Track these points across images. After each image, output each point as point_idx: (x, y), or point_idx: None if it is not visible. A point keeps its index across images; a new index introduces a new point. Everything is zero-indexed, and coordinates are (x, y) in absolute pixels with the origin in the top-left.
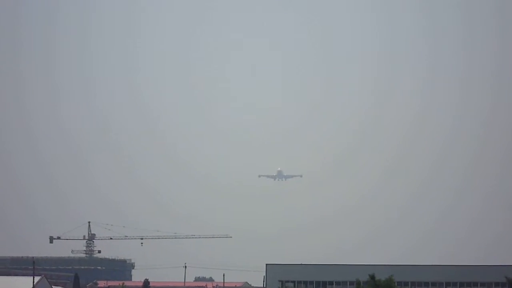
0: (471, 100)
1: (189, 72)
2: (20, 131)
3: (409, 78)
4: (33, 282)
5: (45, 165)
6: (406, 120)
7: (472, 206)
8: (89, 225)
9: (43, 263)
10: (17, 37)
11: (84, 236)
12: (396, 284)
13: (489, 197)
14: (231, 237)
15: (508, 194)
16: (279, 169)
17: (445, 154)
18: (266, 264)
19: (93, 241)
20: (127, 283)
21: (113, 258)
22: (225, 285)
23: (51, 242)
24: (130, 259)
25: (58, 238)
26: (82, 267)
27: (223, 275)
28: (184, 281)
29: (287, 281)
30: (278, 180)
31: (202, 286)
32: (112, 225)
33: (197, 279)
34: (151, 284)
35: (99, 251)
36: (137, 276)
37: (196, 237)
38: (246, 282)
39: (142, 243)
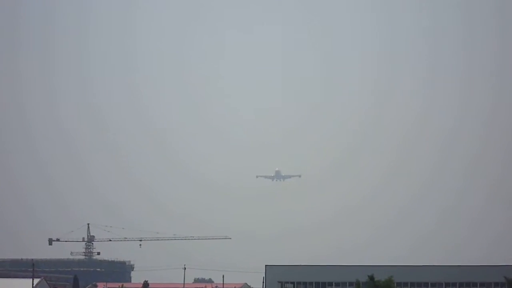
0: (472, 100)
1: (187, 72)
2: (19, 132)
3: (409, 78)
4: (33, 284)
5: (44, 166)
6: (406, 121)
7: (472, 206)
8: (88, 227)
9: (43, 265)
10: (16, 37)
11: (83, 238)
12: (395, 285)
13: (489, 198)
14: (230, 238)
15: (508, 194)
16: (277, 169)
17: (445, 155)
18: (266, 265)
19: (92, 243)
20: (126, 284)
21: (112, 259)
22: (225, 286)
23: (50, 244)
24: (130, 261)
25: (58, 240)
26: (82, 269)
27: (223, 276)
28: (184, 283)
29: (287, 282)
30: (276, 180)
31: None
32: (111, 226)
33: (197, 280)
34: (150, 286)
35: (98, 253)
36: (137, 278)
37: (195, 239)
38: (246, 283)
39: (140, 245)
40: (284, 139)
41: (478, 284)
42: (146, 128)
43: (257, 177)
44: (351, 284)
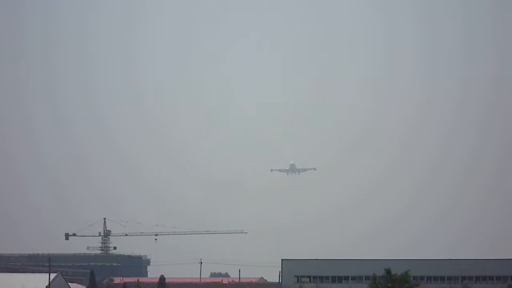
0: (471, 99)
1: (191, 69)
2: (22, 132)
3: (411, 75)
4: (49, 279)
5: (54, 164)
6: (408, 116)
7: (472, 203)
8: (104, 222)
9: (59, 260)
10: (17, 37)
11: (99, 232)
12: (412, 278)
13: (493, 194)
14: (246, 232)
15: (507, 191)
16: (291, 162)
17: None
18: (282, 260)
19: (108, 238)
20: (142, 279)
21: (128, 254)
22: (241, 280)
23: (66, 239)
24: (146, 255)
25: (74, 235)
26: (98, 264)
27: (239, 271)
28: (200, 277)
29: (303, 276)
30: (291, 174)
31: (217, 282)
32: (127, 221)
33: (213, 274)
34: (166, 280)
35: (115, 248)
36: (153, 272)
37: (211, 233)
38: (262, 277)
39: (156, 239)
40: (297, 131)
41: (494, 278)
42: (153, 126)
43: (271, 170)
44: (367, 278)
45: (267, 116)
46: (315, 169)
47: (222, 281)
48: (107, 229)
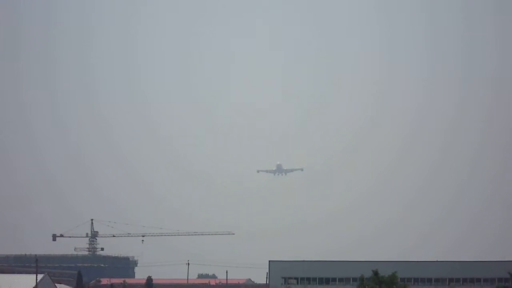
0: (471, 99)
1: (188, 71)
2: (21, 130)
3: (409, 77)
4: (36, 280)
5: (47, 166)
6: (408, 117)
7: (475, 201)
8: (91, 223)
9: (46, 260)
10: (17, 37)
11: (87, 233)
12: (399, 280)
13: (491, 196)
14: (233, 234)
15: (508, 192)
16: (278, 163)
17: (449, 144)
18: (269, 261)
19: (96, 239)
20: (130, 280)
21: (116, 255)
22: (228, 282)
23: (54, 240)
24: (133, 257)
25: (61, 236)
26: (85, 265)
27: (226, 272)
28: (187, 278)
29: (290, 278)
30: (278, 174)
31: (205, 283)
32: (115, 222)
33: (200, 276)
34: (154, 281)
35: (102, 249)
36: (140, 273)
37: (198, 234)
38: (249, 279)
39: (143, 241)
40: (285, 132)
41: (481, 280)
42: (147, 126)
43: (258, 171)
44: (354, 279)
45: (254, 115)
46: (302, 169)
47: (209, 282)
48: (95, 230)
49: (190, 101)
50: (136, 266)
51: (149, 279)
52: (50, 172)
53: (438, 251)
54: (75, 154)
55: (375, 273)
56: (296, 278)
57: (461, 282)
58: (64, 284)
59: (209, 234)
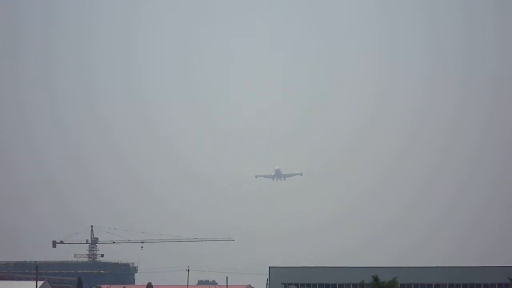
0: (471, 100)
1: (188, 72)
2: (21, 134)
3: (409, 77)
4: (36, 286)
5: (47, 169)
6: (408, 117)
7: (476, 201)
8: (91, 229)
9: (46, 267)
10: (17, 37)
11: (87, 240)
12: (399, 286)
13: (492, 197)
14: (233, 240)
15: (507, 194)
16: (277, 168)
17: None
18: (269, 267)
19: (96, 245)
20: (130, 286)
21: (116, 262)
22: None
23: (54, 246)
24: (133, 263)
25: (61, 242)
26: (85, 271)
27: (226, 278)
28: (187, 284)
29: (290, 284)
30: (277, 179)
31: None
32: (115, 229)
33: (200, 282)
34: None
35: (102, 255)
36: (140, 280)
37: (198, 240)
38: (249, 285)
39: (142, 247)
40: (284, 137)
41: (482, 285)
42: (148, 130)
43: (256, 176)
44: (355, 285)
45: (254, 120)
46: (301, 174)
47: None
48: (95, 236)
49: (190, 101)
50: (136, 272)
51: (149, 285)
52: (50, 177)
53: (439, 251)
54: (76, 158)
55: (375, 278)
56: (296, 284)
57: (461, 287)
58: None
59: (209, 240)
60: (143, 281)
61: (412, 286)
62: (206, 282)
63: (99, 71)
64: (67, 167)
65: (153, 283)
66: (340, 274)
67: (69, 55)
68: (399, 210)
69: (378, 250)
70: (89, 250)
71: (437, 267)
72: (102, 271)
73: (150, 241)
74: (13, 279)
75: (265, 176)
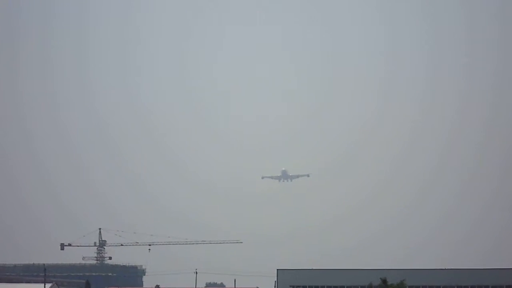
0: (472, 102)
1: (189, 72)
2: (21, 138)
3: (412, 79)
4: None
5: (48, 172)
6: (412, 117)
7: (479, 202)
8: (99, 232)
9: (54, 270)
10: (15, 38)
11: (95, 242)
12: None
13: (494, 198)
14: (241, 242)
15: (509, 196)
16: (283, 169)
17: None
18: (277, 269)
19: (104, 248)
20: None
21: (124, 264)
22: None
23: (62, 249)
24: (141, 265)
25: (69, 245)
26: (93, 274)
27: (234, 281)
28: (195, 287)
29: (298, 286)
30: (284, 181)
31: None
32: (123, 231)
33: (208, 284)
34: None
35: (110, 258)
36: (148, 282)
37: (206, 243)
38: (257, 287)
39: (149, 249)
40: (290, 138)
41: (489, 287)
42: (149, 132)
43: (262, 178)
44: (363, 287)
45: (257, 121)
46: (308, 175)
47: None
48: (103, 239)
49: (194, 103)
50: (144, 275)
51: None
52: (57, 181)
53: (445, 250)
54: (79, 164)
55: (384, 281)
56: (304, 286)
57: None
58: None
59: (217, 243)
60: (151, 283)
61: None
62: (214, 285)
63: (97, 71)
64: (70, 172)
65: (161, 286)
66: (348, 276)
67: (66, 56)
68: (405, 210)
69: (385, 250)
70: (97, 253)
71: (445, 269)
72: (110, 274)
73: (158, 243)
74: (21, 282)
75: (271, 177)
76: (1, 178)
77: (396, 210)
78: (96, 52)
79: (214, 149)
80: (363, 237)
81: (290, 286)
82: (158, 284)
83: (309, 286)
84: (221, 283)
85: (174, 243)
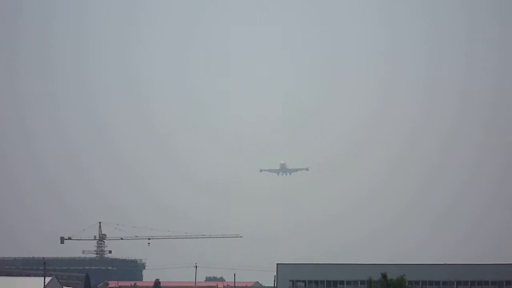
0: (472, 101)
1: (189, 70)
2: (20, 134)
3: (412, 79)
4: (44, 282)
5: (48, 167)
6: (412, 115)
7: (480, 199)
8: (99, 226)
9: (54, 263)
10: (15, 38)
11: (94, 236)
12: (407, 283)
13: (494, 198)
14: (241, 236)
15: (509, 193)
16: (282, 162)
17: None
18: (277, 264)
19: (103, 242)
20: (138, 283)
21: (124, 258)
22: (236, 285)
23: (62, 242)
24: (141, 259)
25: (69, 238)
26: (93, 268)
27: (234, 275)
28: (195, 281)
29: (298, 281)
30: (282, 174)
31: (213, 286)
32: (122, 225)
33: (208, 279)
34: (162, 284)
35: (110, 252)
36: (148, 276)
37: (206, 237)
38: (257, 281)
39: (149, 243)
40: (289, 131)
41: (489, 282)
42: (148, 128)
43: (261, 171)
44: (362, 282)
45: (257, 121)
46: (307, 169)
47: (217, 285)
48: (103, 233)
49: (192, 100)
50: (144, 269)
51: (157, 282)
52: (56, 175)
53: (445, 249)
54: (77, 159)
55: (384, 276)
56: (304, 281)
57: (469, 285)
58: (72, 286)
59: (216, 237)
60: (151, 277)
61: (420, 283)
62: (214, 279)
63: (97, 71)
64: (69, 167)
65: (161, 280)
66: (348, 271)
67: (66, 56)
68: (405, 206)
69: (385, 245)
70: (97, 247)
71: (444, 264)
72: (110, 268)
73: (158, 237)
74: (21, 275)
75: (269, 171)
76: (1, 178)
77: (396, 208)
78: (96, 52)
79: (214, 148)
80: (363, 233)
81: (290, 280)
82: (158, 278)
83: (308, 281)
84: (221, 277)
85: (174, 237)
